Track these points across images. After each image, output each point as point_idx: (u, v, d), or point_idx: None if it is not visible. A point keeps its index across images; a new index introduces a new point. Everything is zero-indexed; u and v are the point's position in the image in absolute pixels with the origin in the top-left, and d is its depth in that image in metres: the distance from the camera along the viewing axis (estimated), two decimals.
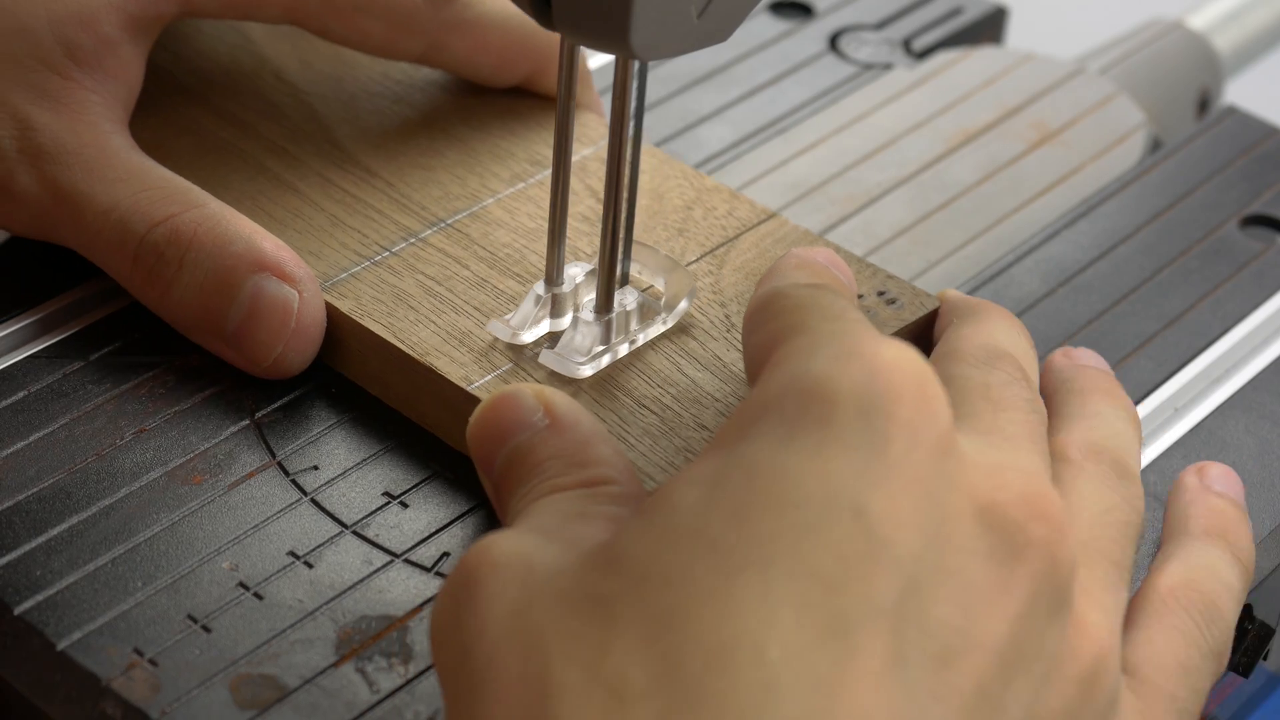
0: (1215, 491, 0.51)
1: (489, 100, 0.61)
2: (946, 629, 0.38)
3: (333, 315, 0.53)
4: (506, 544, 0.40)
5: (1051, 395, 0.52)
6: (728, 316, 0.53)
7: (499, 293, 0.53)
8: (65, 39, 0.54)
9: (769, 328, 0.43)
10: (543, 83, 0.60)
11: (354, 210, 0.56)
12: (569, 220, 0.55)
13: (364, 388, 0.52)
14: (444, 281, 0.54)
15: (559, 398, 0.46)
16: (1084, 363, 0.53)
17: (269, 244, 0.52)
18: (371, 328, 0.52)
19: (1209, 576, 0.48)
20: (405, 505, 0.49)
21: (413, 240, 0.55)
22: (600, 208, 0.54)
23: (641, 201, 0.57)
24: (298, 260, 0.52)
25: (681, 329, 0.53)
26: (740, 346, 0.52)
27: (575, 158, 0.58)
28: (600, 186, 0.57)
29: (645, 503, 0.40)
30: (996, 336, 0.49)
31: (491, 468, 0.46)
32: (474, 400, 0.49)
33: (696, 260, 0.55)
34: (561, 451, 0.44)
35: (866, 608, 0.37)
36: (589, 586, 0.38)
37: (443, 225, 0.55)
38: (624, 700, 0.36)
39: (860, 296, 0.54)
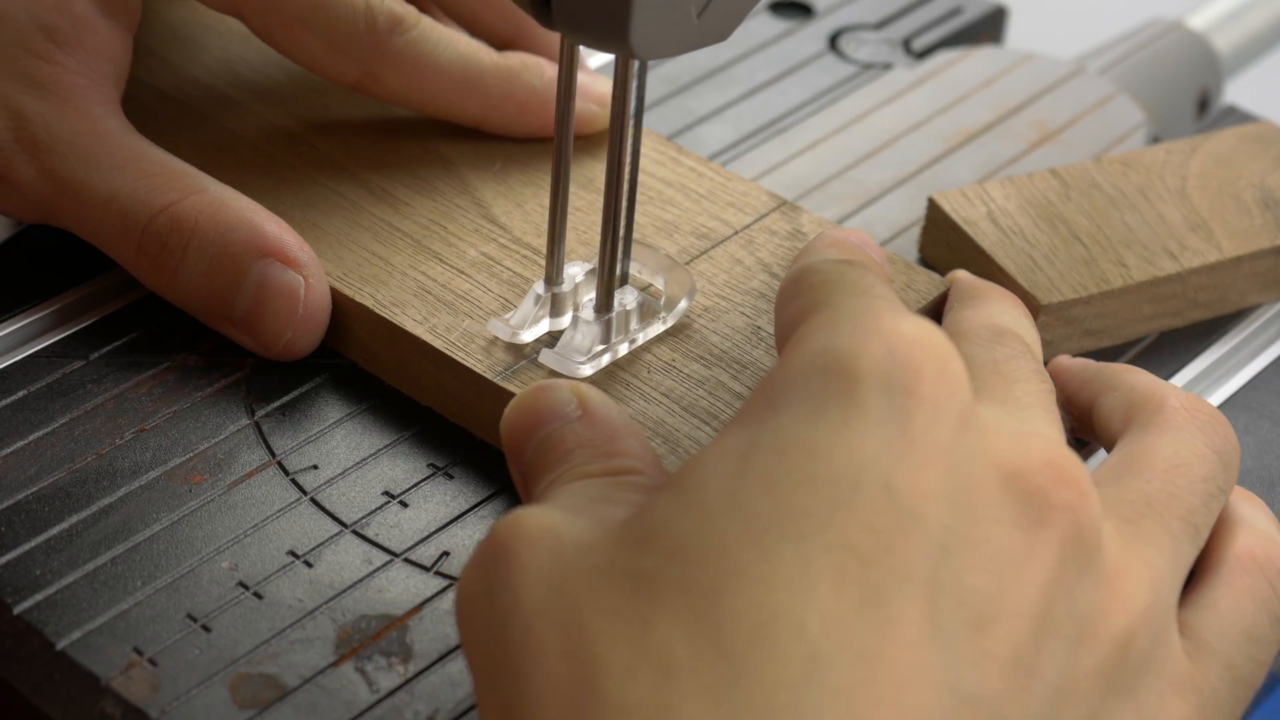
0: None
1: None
2: (978, 596, 0.39)
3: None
4: (537, 517, 0.40)
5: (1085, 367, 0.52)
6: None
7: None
8: (43, 23, 0.53)
9: (798, 302, 0.44)
10: (494, 122, 0.58)
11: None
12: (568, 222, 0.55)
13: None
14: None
15: (593, 392, 0.46)
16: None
17: (272, 227, 0.52)
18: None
19: (1274, 542, 0.46)
20: (405, 505, 0.49)
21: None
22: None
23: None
24: (301, 243, 0.52)
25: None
26: None
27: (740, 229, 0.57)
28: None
29: (675, 476, 0.40)
30: (999, 316, 0.50)
31: (522, 456, 0.46)
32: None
33: None
34: (590, 441, 0.45)
35: (900, 578, 0.38)
36: (625, 562, 0.39)
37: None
38: (671, 675, 0.37)
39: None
